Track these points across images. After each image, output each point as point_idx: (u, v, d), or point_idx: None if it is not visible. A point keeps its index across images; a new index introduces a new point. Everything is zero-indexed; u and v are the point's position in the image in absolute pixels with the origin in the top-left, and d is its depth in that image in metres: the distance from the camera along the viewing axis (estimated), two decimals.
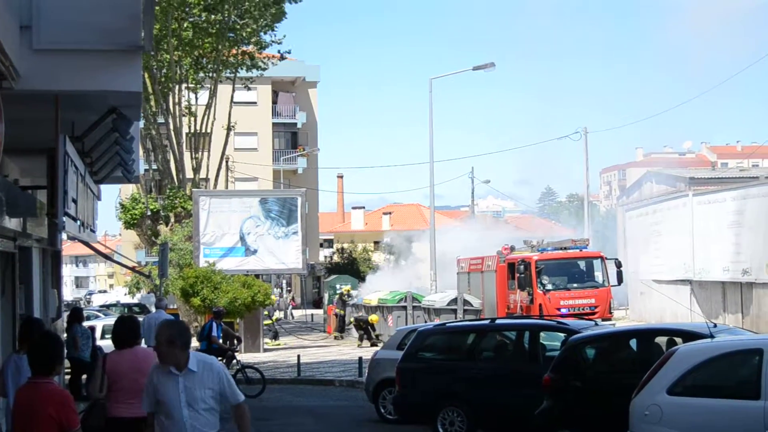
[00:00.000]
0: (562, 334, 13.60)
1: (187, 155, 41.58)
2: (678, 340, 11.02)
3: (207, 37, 39.28)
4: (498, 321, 16.60)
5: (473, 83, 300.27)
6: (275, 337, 34.60)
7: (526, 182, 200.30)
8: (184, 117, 41.20)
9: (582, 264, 30.96)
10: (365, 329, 33.02)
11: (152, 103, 39.66)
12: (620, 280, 30.17)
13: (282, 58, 42.19)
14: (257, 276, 32.41)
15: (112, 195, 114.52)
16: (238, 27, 39.17)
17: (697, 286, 33.42)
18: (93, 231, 16.25)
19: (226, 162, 46.81)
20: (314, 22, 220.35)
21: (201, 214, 32.40)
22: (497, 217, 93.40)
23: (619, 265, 30.19)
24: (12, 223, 9.58)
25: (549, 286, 29.62)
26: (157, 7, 30.99)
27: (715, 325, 11.29)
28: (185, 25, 38.56)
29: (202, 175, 41.80)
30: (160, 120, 41.26)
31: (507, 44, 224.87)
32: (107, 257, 29.20)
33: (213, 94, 40.90)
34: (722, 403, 9.06)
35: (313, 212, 62.96)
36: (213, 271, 30.61)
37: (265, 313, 33.33)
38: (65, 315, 18.39)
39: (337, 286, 43.38)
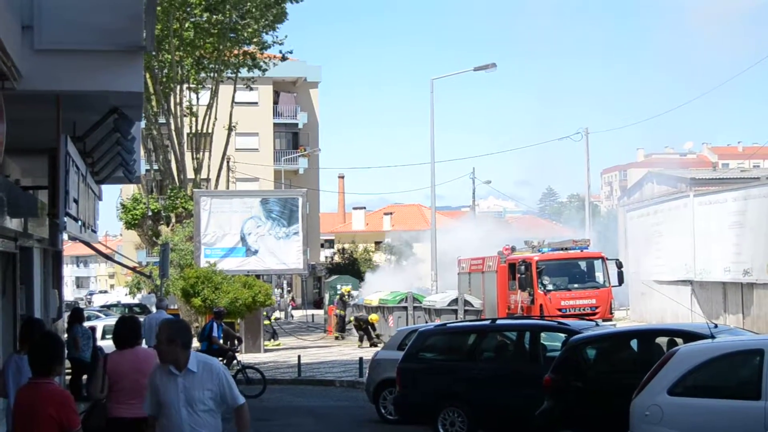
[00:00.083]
0: (563, 335, 13.60)
1: (188, 155, 41.60)
2: (679, 340, 11.02)
3: (208, 38, 39.31)
4: (499, 321, 16.59)
5: (474, 83, 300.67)
6: (273, 337, 34.61)
7: (527, 183, 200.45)
8: (185, 117, 41.23)
9: (583, 264, 30.98)
10: (365, 329, 33.03)
11: (153, 103, 39.68)
12: (621, 280, 30.18)
13: (283, 58, 42.20)
14: (258, 276, 32.41)
15: (113, 195, 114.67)
16: (240, 27, 39.18)
17: (697, 287, 33.43)
18: (94, 231, 16.27)
19: (227, 162, 46.82)
20: (315, 22, 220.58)
21: (202, 215, 32.41)
22: (498, 217, 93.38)
23: (619, 265, 30.20)
24: (13, 224, 9.58)
25: (550, 287, 29.64)
26: (158, 8, 30.98)
27: (716, 326, 11.28)
28: (186, 26, 38.58)
29: (203, 175, 41.84)
30: (162, 120, 41.29)
31: (508, 44, 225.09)
32: (108, 257, 29.26)
33: (214, 95, 40.92)
34: (723, 403, 9.06)
35: (314, 213, 62.97)
36: (214, 271, 30.61)
37: (264, 313, 33.35)
38: (66, 315, 18.40)
39: (338, 287, 43.38)
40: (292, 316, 54.28)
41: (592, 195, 54.85)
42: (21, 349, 9.20)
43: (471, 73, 37.44)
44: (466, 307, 30.23)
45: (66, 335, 17.55)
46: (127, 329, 8.52)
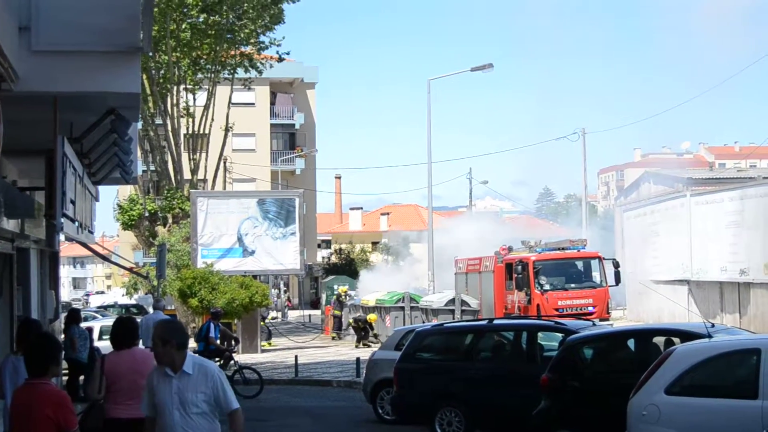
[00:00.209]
0: (560, 335, 13.61)
1: (185, 156, 41.54)
2: (676, 340, 11.03)
3: (205, 39, 39.27)
4: (496, 321, 16.62)
5: (471, 84, 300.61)
6: (268, 337, 34.61)
7: (524, 183, 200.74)
8: (182, 118, 41.18)
9: (580, 264, 31.01)
10: (363, 329, 33.04)
11: (150, 104, 39.62)
12: (618, 280, 30.21)
13: (280, 59, 42.15)
14: (255, 277, 32.39)
15: (110, 196, 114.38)
16: (237, 28, 39.16)
17: (694, 286, 33.46)
18: (91, 232, 16.26)
19: (224, 163, 46.80)
20: (312, 23, 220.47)
21: (199, 215, 32.39)
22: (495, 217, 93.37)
23: (616, 265, 30.23)
24: (10, 225, 9.59)
25: (547, 287, 29.66)
26: (155, 9, 30.93)
27: (713, 325, 11.29)
28: (183, 27, 38.55)
29: (200, 176, 41.78)
30: (158, 121, 41.25)
31: (506, 44, 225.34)
32: (105, 258, 29.16)
33: (211, 96, 40.89)
34: (720, 402, 9.07)
35: (311, 213, 62.96)
36: (211, 271, 30.61)
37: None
38: (63, 316, 18.40)
39: (335, 287, 43.40)
40: (287, 316, 54.25)
41: (589, 195, 54.89)
42: (18, 350, 9.20)
43: (468, 74, 37.44)
44: (463, 307, 30.24)
45: (63, 336, 17.55)
46: (124, 330, 8.52)
